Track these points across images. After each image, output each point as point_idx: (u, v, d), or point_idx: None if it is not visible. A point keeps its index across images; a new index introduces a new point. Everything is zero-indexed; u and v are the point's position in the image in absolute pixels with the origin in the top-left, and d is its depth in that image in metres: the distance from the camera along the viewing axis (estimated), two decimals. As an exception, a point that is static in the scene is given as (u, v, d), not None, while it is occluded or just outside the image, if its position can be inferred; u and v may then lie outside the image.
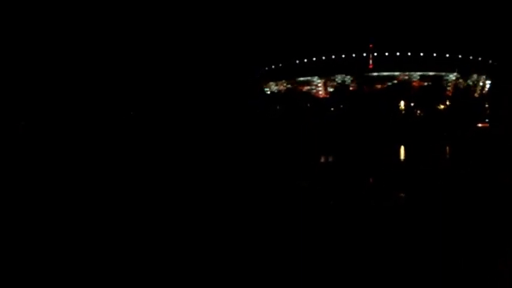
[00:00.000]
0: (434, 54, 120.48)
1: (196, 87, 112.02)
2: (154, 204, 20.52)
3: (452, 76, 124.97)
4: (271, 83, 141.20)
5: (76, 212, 18.80)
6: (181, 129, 78.35)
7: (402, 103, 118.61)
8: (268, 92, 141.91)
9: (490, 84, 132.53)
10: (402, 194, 24.69)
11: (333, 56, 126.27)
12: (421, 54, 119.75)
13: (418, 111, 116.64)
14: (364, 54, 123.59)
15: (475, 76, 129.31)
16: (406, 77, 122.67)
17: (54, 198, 21.77)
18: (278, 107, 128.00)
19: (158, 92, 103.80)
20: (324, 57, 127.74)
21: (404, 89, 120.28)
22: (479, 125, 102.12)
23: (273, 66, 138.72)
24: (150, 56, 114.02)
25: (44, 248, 13.71)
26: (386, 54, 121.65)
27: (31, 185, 25.90)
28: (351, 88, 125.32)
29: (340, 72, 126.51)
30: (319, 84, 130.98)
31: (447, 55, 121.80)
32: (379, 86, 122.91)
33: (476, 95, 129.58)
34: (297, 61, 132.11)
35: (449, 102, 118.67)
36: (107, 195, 22.77)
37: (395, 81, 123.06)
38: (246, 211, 19.06)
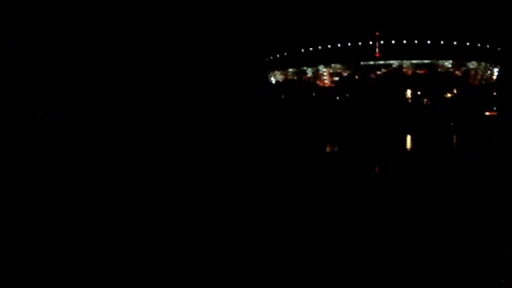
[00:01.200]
0: (442, 42, 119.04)
1: (200, 79, 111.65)
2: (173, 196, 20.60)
3: (459, 64, 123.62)
4: (276, 72, 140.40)
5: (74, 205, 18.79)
6: (190, 124, 78.22)
7: (409, 91, 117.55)
8: (273, 82, 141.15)
9: (497, 71, 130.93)
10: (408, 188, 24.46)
11: (339, 45, 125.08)
12: (428, 42, 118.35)
13: (425, 100, 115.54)
14: (370, 42, 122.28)
15: (482, 64, 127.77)
16: (413, 65, 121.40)
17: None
18: (283, 97, 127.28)
19: (159, 83, 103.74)
20: (329, 46, 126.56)
21: (410, 77, 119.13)
22: (487, 113, 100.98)
23: (277, 55, 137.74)
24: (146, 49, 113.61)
25: (43, 245, 13.69)
26: (393, 42, 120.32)
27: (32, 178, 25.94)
28: (356, 77, 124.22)
29: (346, 61, 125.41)
30: (324, 73, 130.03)
31: (454, 42, 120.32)
32: (385, 75, 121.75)
33: (483, 82, 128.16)
34: (302, 50, 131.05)
35: (456, 90, 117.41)
36: (108, 195, 22.72)
37: (402, 70, 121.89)
38: (253, 206, 18.96)
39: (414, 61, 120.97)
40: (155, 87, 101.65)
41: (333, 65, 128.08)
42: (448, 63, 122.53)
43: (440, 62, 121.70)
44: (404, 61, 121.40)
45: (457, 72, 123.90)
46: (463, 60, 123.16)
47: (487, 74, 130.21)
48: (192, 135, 63.88)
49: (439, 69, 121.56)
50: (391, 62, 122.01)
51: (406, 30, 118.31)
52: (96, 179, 26.92)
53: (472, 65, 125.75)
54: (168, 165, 33.17)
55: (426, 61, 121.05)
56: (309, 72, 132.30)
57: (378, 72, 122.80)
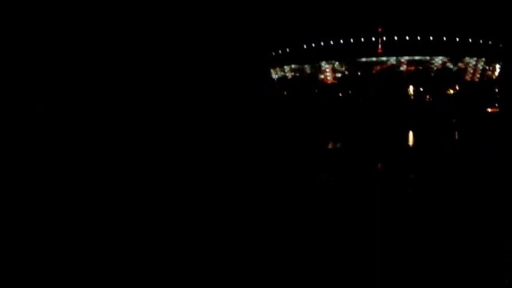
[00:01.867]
0: (444, 39, 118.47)
1: (201, 77, 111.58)
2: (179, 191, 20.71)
3: (461, 61, 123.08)
4: (278, 69, 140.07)
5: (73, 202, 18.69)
6: (190, 123, 78.36)
7: (411, 88, 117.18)
8: (275, 78, 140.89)
9: (500, 68, 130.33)
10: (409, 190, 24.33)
11: (341, 41, 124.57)
12: (430, 38, 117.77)
13: (427, 97, 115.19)
14: (373, 39, 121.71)
15: (484, 60, 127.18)
16: (415, 62, 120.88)
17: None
18: (285, 93, 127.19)
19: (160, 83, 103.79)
20: (331, 42, 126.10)
21: (413, 73, 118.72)
22: (489, 109, 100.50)
23: (280, 51, 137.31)
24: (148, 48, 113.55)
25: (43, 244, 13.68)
26: (396, 38, 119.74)
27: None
28: (358, 73, 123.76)
29: (348, 57, 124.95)
30: (327, 70, 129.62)
31: (457, 39, 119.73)
32: (387, 71, 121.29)
33: (485, 79, 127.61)
34: (304, 46, 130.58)
35: (458, 87, 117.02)
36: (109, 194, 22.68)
37: (404, 66, 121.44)
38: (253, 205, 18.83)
39: (416, 57, 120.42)
40: (156, 85, 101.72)
41: (335, 61, 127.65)
42: (450, 60, 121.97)
43: (442, 58, 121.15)
44: (407, 57, 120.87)
45: (459, 68, 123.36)
46: (465, 57, 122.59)
47: (489, 71, 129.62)
48: (192, 134, 63.85)
49: (441, 66, 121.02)
50: (394, 58, 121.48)
51: (408, 27, 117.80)
52: (96, 178, 26.93)
53: (474, 61, 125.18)
54: (168, 163, 33.19)
55: (428, 57, 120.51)
56: (311, 68, 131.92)
57: (380, 69, 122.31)
